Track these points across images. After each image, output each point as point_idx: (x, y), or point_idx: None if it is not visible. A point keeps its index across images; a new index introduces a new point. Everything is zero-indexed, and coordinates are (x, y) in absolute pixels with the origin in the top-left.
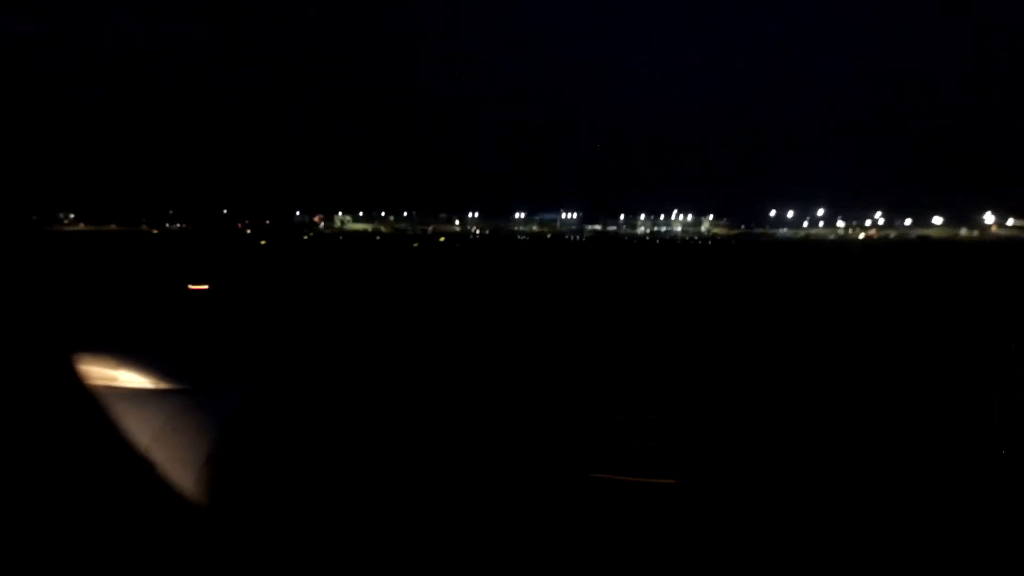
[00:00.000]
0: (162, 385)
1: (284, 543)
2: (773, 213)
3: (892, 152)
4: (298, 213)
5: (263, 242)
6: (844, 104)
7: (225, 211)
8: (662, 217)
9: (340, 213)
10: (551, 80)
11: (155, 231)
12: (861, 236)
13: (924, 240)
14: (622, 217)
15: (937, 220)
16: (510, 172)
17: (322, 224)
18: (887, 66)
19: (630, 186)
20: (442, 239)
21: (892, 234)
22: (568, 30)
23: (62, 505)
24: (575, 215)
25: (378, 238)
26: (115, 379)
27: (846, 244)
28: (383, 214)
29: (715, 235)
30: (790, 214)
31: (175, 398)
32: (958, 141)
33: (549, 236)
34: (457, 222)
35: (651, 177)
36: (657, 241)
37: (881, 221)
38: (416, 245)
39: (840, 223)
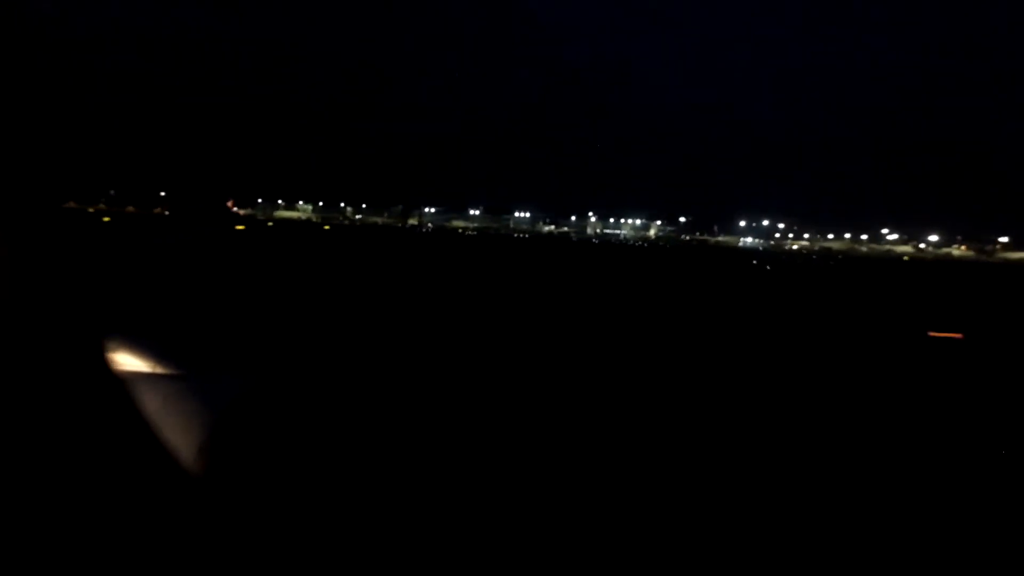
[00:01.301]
0: (157, 369)
1: (277, 536)
2: (721, 221)
3: (843, 172)
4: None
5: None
6: (805, 124)
7: (163, 193)
8: (611, 220)
9: (301, 203)
10: (529, 81)
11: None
12: (795, 247)
13: (826, 252)
14: (573, 218)
15: (891, 236)
16: (473, 169)
17: (236, 209)
18: (843, 87)
19: (589, 188)
20: (327, 227)
21: (796, 246)
22: (548, 28)
23: (77, 490)
24: (528, 214)
25: (270, 224)
26: (112, 362)
27: (768, 252)
28: (342, 205)
29: (652, 239)
30: (742, 223)
31: (169, 383)
32: (910, 161)
33: (470, 233)
34: (414, 216)
35: (609, 181)
36: (597, 242)
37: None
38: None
39: (772, 234)
